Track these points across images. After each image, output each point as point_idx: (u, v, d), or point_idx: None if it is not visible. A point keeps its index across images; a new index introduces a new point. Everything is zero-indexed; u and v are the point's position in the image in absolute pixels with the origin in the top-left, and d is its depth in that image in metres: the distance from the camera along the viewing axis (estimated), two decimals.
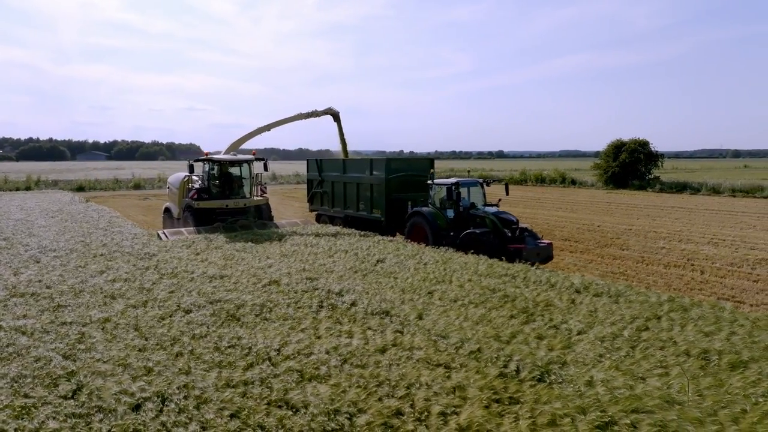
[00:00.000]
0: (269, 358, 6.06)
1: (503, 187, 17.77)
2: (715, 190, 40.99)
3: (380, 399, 5.01)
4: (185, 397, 5.10)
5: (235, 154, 18.60)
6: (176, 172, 21.07)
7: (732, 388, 5.13)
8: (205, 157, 17.60)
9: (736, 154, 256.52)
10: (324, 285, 9.27)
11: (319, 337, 6.77)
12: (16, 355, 6.15)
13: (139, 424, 4.59)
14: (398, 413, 4.73)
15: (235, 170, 18.25)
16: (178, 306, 8.13)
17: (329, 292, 8.81)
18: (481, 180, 16.53)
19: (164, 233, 15.52)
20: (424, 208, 15.73)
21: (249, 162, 18.23)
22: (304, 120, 20.93)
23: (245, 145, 20.46)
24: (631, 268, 15.00)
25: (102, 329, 7.12)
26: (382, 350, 6.29)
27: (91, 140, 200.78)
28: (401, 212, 16.87)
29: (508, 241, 13.85)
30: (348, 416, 4.69)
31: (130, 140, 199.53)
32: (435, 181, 16.20)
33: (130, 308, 8.11)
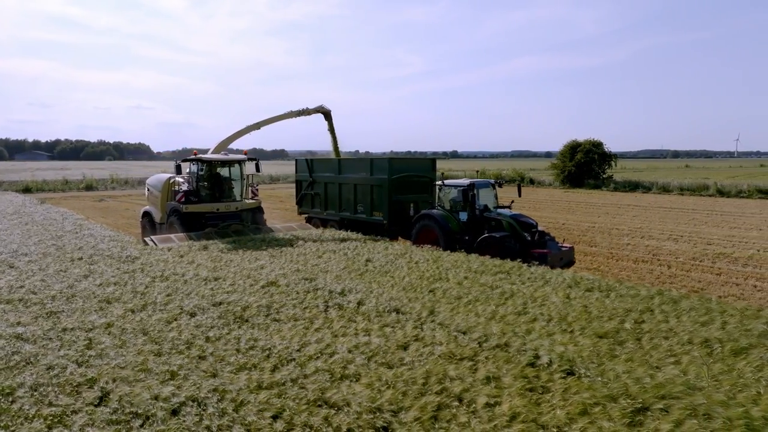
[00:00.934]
0: (293, 359, 6.04)
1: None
2: (665, 189, 43.11)
3: (422, 394, 5.10)
4: (220, 400, 5.05)
5: (226, 154, 17.44)
6: (157, 173, 19.63)
7: (741, 373, 5.51)
8: (194, 156, 16.25)
9: (675, 154, 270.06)
10: (324, 285, 9.28)
11: (336, 336, 6.79)
12: (25, 363, 5.90)
13: (184, 429, 4.52)
14: (440, 407, 4.85)
15: (225, 171, 17.05)
16: (181, 309, 7.96)
17: (332, 292, 8.83)
18: (492, 181, 15.77)
19: (152, 240, 14.36)
20: (434, 211, 14.94)
21: (241, 162, 17.05)
22: (295, 118, 19.91)
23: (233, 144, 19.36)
24: (604, 264, 15.64)
25: (108, 334, 6.91)
26: (404, 347, 6.39)
27: (31, 139, 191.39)
28: (403, 214, 16.30)
29: (529, 246, 13.25)
30: (392, 413, 4.76)
31: (74, 139, 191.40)
32: (446, 182, 15.39)
33: (129, 312, 7.89)
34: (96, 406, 4.97)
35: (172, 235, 14.74)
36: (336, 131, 21.17)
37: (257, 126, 18.65)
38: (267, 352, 6.25)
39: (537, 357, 5.94)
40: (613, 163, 48.76)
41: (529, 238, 13.49)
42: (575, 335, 6.73)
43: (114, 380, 5.47)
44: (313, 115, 20.47)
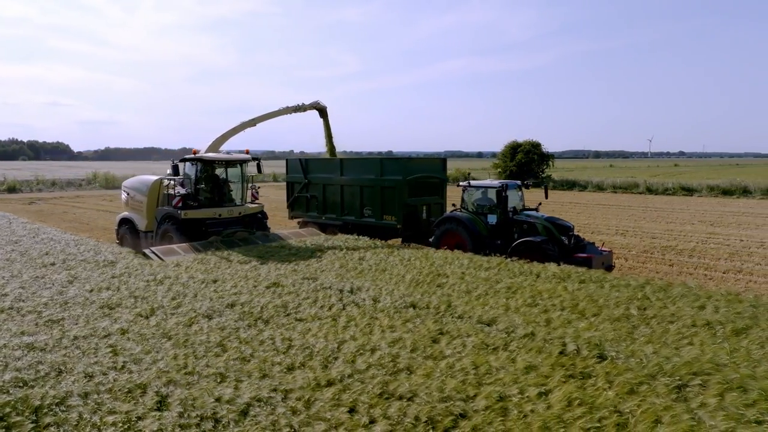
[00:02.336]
0: (337, 357, 6.10)
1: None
2: (599, 187, 45.80)
3: (479, 384, 5.33)
4: (284, 399, 5.06)
5: (229, 153, 15.94)
6: (140, 174, 17.88)
7: (749, 350, 6.15)
8: (192, 155, 14.45)
9: (597, 154, 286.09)
10: (330, 284, 9.33)
11: (367, 333, 6.90)
12: (57, 373, 5.62)
13: (263, 428, 4.51)
14: (500, 397, 5.09)
15: (223, 172, 15.38)
16: (196, 312, 7.78)
17: (342, 291, 8.90)
18: (519, 182, 15.14)
19: (154, 252, 12.31)
20: (460, 214, 14.35)
21: (245, 162, 15.43)
22: (291, 114, 18.37)
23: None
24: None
25: (128, 340, 6.67)
26: (435, 340, 6.60)
27: None
28: (415, 218, 15.67)
29: (569, 250, 12.84)
30: (462, 401, 4.97)
31: None
32: (472, 182, 14.79)
33: (140, 318, 7.63)
34: (158, 410, 4.85)
35: (175, 246, 12.90)
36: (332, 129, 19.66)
37: (253, 122, 16.89)
38: (308, 350, 6.26)
39: (564, 345, 6.33)
40: (551, 163, 51.15)
41: (566, 242, 13.04)
42: (592, 322, 7.20)
43: (165, 384, 5.33)
44: (309, 111, 18.90)
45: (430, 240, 15.36)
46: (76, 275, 10.18)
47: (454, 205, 15.31)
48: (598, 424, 4.53)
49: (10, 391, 5.12)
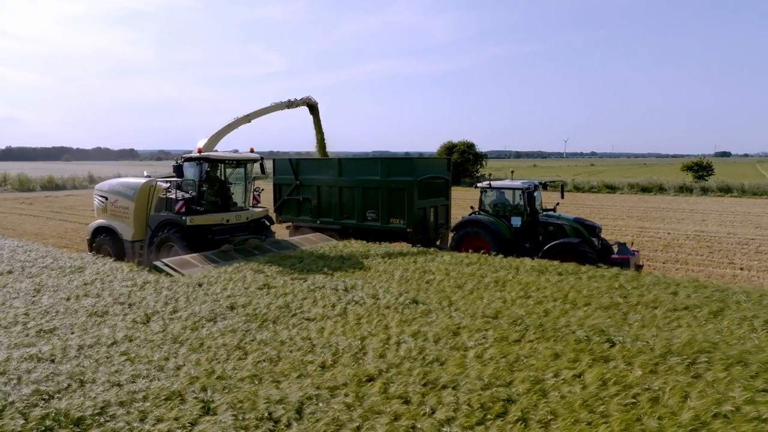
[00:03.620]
0: (366, 352, 6.18)
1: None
2: None
3: (511, 371, 5.61)
4: (333, 396, 5.09)
5: (236, 152, 14.44)
6: (122, 177, 16.16)
7: (730, 329, 6.86)
8: (198, 154, 12.79)
9: (518, 155, 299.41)
10: (322, 283, 9.33)
11: (385, 328, 7.02)
12: (80, 384, 5.32)
13: (330, 423, 4.55)
14: (537, 381, 5.41)
15: (228, 174, 14.09)
16: (198, 316, 7.56)
17: (336, 290, 8.94)
18: (537, 182, 14.67)
19: (169, 265, 10.77)
20: (482, 216, 13.94)
21: (253, 162, 14.10)
22: (282, 111, 16.80)
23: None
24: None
25: (139, 347, 6.40)
26: (455, 333, 6.84)
27: None
28: (422, 221, 15.03)
29: (600, 251, 12.67)
30: (503, 386, 5.22)
31: None
32: (494, 183, 14.37)
33: (139, 324, 7.32)
34: (210, 415, 4.75)
35: (187, 257, 11.43)
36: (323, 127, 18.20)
37: (247, 119, 15.35)
38: (333, 348, 6.29)
39: (573, 333, 6.77)
40: (484, 163, 53.03)
41: (595, 243, 12.86)
42: (587, 311, 7.71)
43: (202, 389, 5.20)
44: (300, 107, 17.46)
45: (438, 244, 14.96)
46: (42, 283, 9.55)
47: (472, 207, 14.99)
48: (634, 400, 4.93)
49: (40, 404, 4.83)
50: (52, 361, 5.92)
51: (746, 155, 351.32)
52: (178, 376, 5.53)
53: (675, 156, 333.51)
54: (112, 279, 9.77)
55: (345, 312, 7.78)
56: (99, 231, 14.41)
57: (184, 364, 5.85)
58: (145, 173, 15.21)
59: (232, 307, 8.01)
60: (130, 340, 6.64)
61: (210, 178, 13.22)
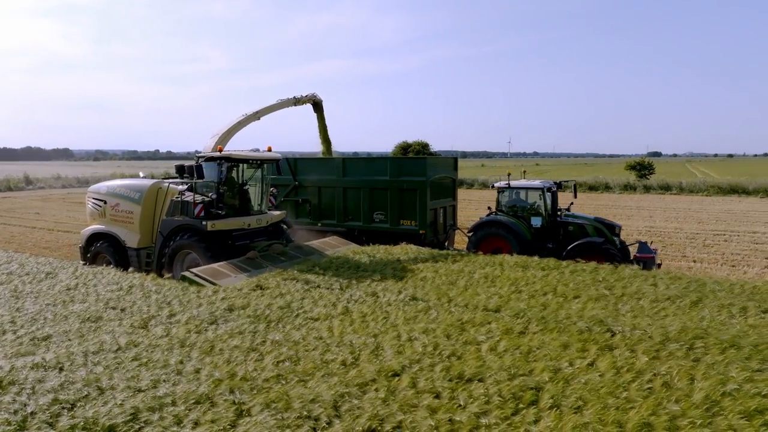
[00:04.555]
0: (381, 349, 6.25)
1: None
2: (484, 185, 49.18)
3: (527, 361, 5.84)
4: (363, 392, 5.15)
5: (258, 151, 13.58)
6: (118, 178, 14.84)
7: (712, 317, 7.39)
8: (218, 153, 11.68)
9: (464, 154, 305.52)
10: (315, 282, 9.33)
11: (393, 325, 7.12)
12: (99, 392, 5.14)
13: (371, 417, 4.60)
14: (556, 370, 5.66)
15: (245, 174, 13.00)
16: (199, 318, 7.42)
17: (331, 289, 8.96)
18: (553, 182, 14.48)
19: (200, 275, 9.78)
20: (502, 217, 13.73)
21: (274, 162, 13.20)
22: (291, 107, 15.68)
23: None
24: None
25: (149, 352, 6.23)
26: (462, 328, 7.02)
27: None
28: (434, 223, 14.70)
29: (623, 251, 12.75)
30: (525, 376, 5.43)
31: None
32: (512, 183, 14.15)
33: (138, 329, 7.11)
34: (246, 416, 4.71)
35: (216, 266, 10.45)
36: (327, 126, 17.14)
37: (256, 116, 14.30)
38: (349, 346, 6.33)
39: (575, 324, 7.10)
40: None
41: (618, 242, 12.92)
42: (581, 303, 8.09)
43: (231, 392, 5.14)
44: (305, 104, 16.35)
45: (447, 245, 14.76)
46: (17, 289, 9.10)
47: (489, 208, 14.82)
48: (650, 385, 5.26)
49: (64, 414, 4.65)
50: (61, 369, 5.68)
51: (675, 155, 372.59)
52: (199, 380, 5.43)
53: (612, 156, 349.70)
54: (96, 283, 9.41)
55: (348, 311, 7.82)
56: (95, 238, 13.17)
57: (202, 368, 5.74)
58: (141, 174, 14.44)
59: (230, 309, 7.90)
60: (135, 345, 6.44)
61: (229, 180, 12.32)
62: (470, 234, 14.14)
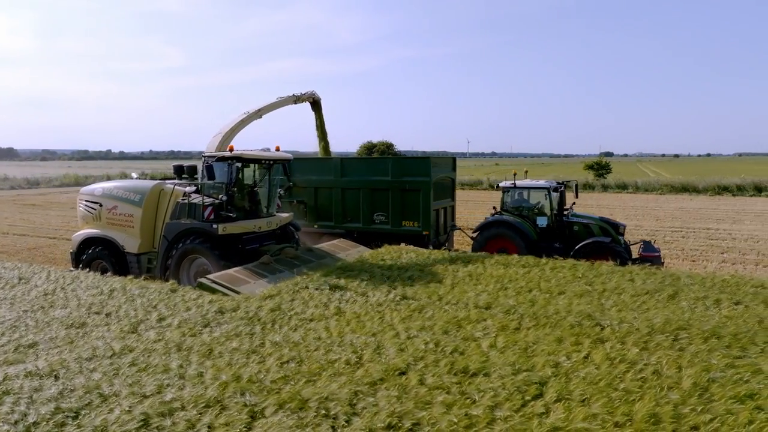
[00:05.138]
0: (383, 347, 6.30)
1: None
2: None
3: (527, 357, 6.02)
4: (375, 390, 5.18)
5: (269, 150, 13.05)
6: (112, 179, 13.98)
7: (690, 309, 7.78)
8: (229, 153, 11.13)
9: (424, 154, 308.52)
10: (304, 283, 9.29)
11: (392, 324, 7.18)
12: (102, 398, 5.00)
13: (390, 414, 4.65)
14: (555, 364, 5.84)
15: (256, 176, 12.55)
16: (191, 322, 7.28)
17: (321, 290, 8.94)
18: (556, 182, 14.49)
19: (219, 282, 9.26)
20: (508, 217, 13.75)
21: (285, 162, 12.71)
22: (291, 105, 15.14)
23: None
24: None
25: (146, 357, 6.09)
26: (458, 325, 7.15)
27: None
28: (434, 222, 14.56)
29: (628, 250, 12.93)
30: (528, 371, 5.59)
31: None
32: (518, 183, 14.17)
33: (128, 334, 6.93)
34: (256, 418, 4.69)
35: (232, 272, 9.94)
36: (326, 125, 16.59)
37: (258, 114, 13.73)
38: (350, 346, 6.35)
39: (565, 318, 7.34)
40: None
41: (622, 241, 13.10)
42: (567, 299, 8.35)
43: (240, 395, 5.10)
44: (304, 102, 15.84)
45: (446, 246, 14.70)
46: None
47: (495, 208, 14.84)
48: (643, 375, 5.51)
49: (69, 423, 4.51)
50: (56, 377, 5.48)
51: (626, 155, 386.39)
52: (204, 383, 5.35)
53: (566, 156, 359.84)
54: (74, 288, 9.08)
55: (341, 311, 7.84)
56: (89, 243, 12.42)
57: (205, 371, 5.66)
58: (134, 175, 13.89)
59: (221, 312, 7.79)
60: (130, 351, 6.28)
61: (239, 181, 11.84)
62: (476, 234, 14.15)
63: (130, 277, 10.33)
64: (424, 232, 14.21)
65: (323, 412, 4.72)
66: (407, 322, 7.22)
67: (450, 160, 16.42)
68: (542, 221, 13.64)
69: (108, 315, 7.70)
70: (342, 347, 6.34)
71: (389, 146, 52.77)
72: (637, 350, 6.15)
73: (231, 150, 11.07)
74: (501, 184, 14.65)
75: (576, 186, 15.28)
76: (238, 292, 8.95)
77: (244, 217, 11.66)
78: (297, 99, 14.93)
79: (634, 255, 13.35)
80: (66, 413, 4.69)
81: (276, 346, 6.40)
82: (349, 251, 12.81)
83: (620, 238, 13.11)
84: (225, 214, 11.24)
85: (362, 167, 15.37)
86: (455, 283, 9.45)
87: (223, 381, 5.36)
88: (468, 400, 4.96)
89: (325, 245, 13.03)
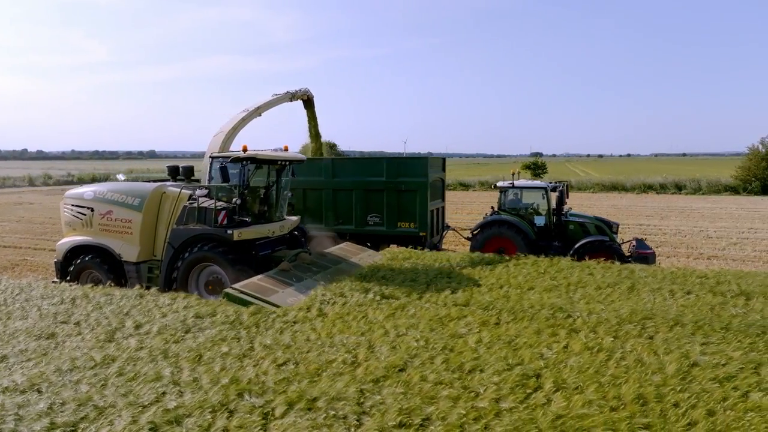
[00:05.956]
0: (377, 347, 6.37)
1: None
2: None
3: (514, 349, 6.28)
4: (379, 388, 5.27)
5: (278, 150, 11.96)
6: (108, 181, 12.57)
7: (653, 299, 8.36)
8: (243, 154, 10.31)
9: (362, 155, 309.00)
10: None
11: (377, 323, 7.25)
12: (98, 411, 4.80)
13: (402, 411, 4.74)
14: (542, 356, 6.13)
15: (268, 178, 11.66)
16: (171, 328, 7.06)
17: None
18: (547, 183, 14.80)
19: (248, 293, 8.59)
20: (507, 216, 13.84)
21: (299, 163, 12.12)
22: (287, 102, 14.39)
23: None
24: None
25: (132, 365, 5.86)
26: (442, 323, 7.33)
27: None
28: (430, 223, 14.31)
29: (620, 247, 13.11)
30: (520, 364, 5.84)
31: None
32: (516, 183, 14.27)
33: (105, 343, 6.65)
34: (269, 420, 4.65)
35: (256, 280, 9.30)
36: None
37: (258, 112, 13.06)
38: (343, 347, 6.38)
39: (539, 312, 7.68)
40: None
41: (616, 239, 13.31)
42: (536, 293, 8.74)
43: (245, 398, 5.03)
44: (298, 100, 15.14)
45: (438, 246, 14.54)
46: None
47: (493, 207, 14.92)
48: (624, 361, 5.90)
49: None
50: (39, 391, 5.18)
51: (554, 155, 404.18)
52: (202, 389, 5.24)
53: (500, 156, 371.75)
54: (27, 298, 8.56)
55: (322, 312, 7.84)
56: (78, 251, 11.40)
57: (199, 377, 5.53)
58: (122, 177, 12.72)
59: (199, 317, 7.59)
60: (113, 360, 6.02)
61: (253, 184, 11.07)
62: (476, 233, 14.20)
63: (89, 285, 9.82)
64: (421, 234, 14.06)
65: (333, 412, 4.74)
66: (392, 321, 7.33)
67: (440, 161, 16.24)
68: (540, 221, 13.90)
69: (78, 324, 7.32)
70: (335, 348, 6.37)
71: (332, 146, 52.44)
72: (612, 339, 6.55)
73: (245, 150, 10.34)
74: (499, 184, 14.83)
75: (567, 187, 15.25)
76: (274, 304, 8.34)
77: (255, 222, 11.01)
78: (292, 96, 14.40)
79: (626, 252, 13.87)
80: (63, 428, 4.49)
81: (268, 349, 6.34)
82: (359, 255, 12.44)
83: (614, 236, 13.52)
84: (239, 218, 10.58)
85: (354, 168, 15.02)
86: (430, 281, 9.65)
87: (224, 384, 5.27)
88: (471, 393, 5.14)
89: (335, 249, 12.62)
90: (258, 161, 10.70)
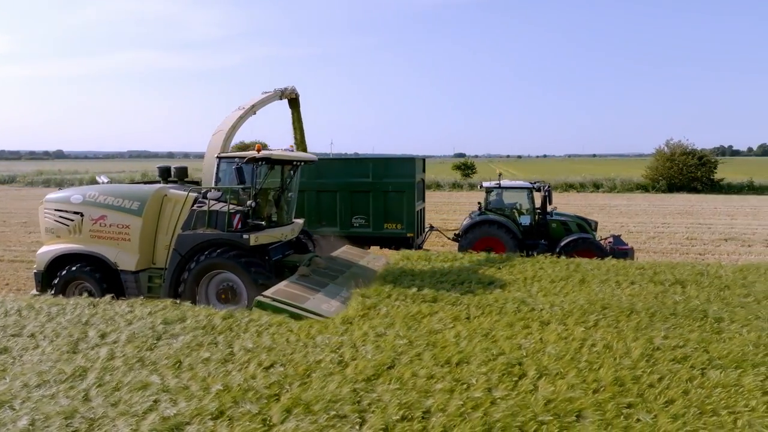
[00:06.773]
0: (361, 346, 6.44)
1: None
2: None
3: (493, 341, 6.57)
4: (372, 386, 5.36)
5: (293, 150, 11.62)
6: (105, 183, 11.04)
7: (603, 290, 8.99)
8: (257, 154, 9.78)
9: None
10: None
11: (354, 323, 7.32)
12: (90, 422, 4.57)
13: (402, 406, 4.85)
14: (520, 346, 6.45)
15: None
16: (142, 335, 6.77)
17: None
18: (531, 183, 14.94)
19: (280, 301, 8.22)
20: (494, 216, 13.97)
21: (311, 163, 11.84)
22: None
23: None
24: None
25: (110, 376, 5.59)
26: (416, 319, 7.50)
27: None
28: (415, 224, 14.17)
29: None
30: (502, 355, 6.13)
31: None
32: (503, 183, 14.47)
33: (71, 354, 6.30)
34: (266, 425, 4.63)
35: (282, 286, 8.90)
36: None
37: (253, 110, 12.37)
38: (328, 347, 6.39)
39: (505, 305, 8.03)
40: None
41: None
42: (498, 287, 9.14)
43: (244, 404, 4.95)
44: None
45: (420, 246, 14.43)
46: None
47: (479, 204, 14.96)
48: (598, 349, 6.32)
49: None
50: (11, 407, 4.84)
51: (477, 156, 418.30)
52: (194, 396, 5.10)
53: (425, 156, 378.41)
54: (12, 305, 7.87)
55: (297, 314, 7.79)
56: (64, 261, 10.35)
57: (191, 386, 5.37)
58: (104, 179, 11.43)
59: (167, 323, 7.32)
60: (85, 371, 5.70)
61: (266, 186, 10.56)
62: (465, 233, 14.19)
63: (31, 294, 9.14)
64: (408, 235, 14.01)
65: (333, 413, 4.77)
66: (368, 320, 7.42)
67: (422, 162, 16.06)
68: (525, 220, 14.28)
69: (33, 336, 6.83)
70: (318, 348, 6.38)
71: (265, 146, 51.49)
72: (583, 329, 7.00)
73: (259, 150, 9.83)
74: (485, 185, 15.03)
75: (549, 188, 15.13)
76: (316, 313, 8.06)
77: (268, 225, 10.48)
78: (282, 94, 13.62)
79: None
80: None
81: (250, 352, 6.24)
82: (365, 257, 12.29)
83: (593, 233, 13.96)
84: (253, 222, 10.06)
85: (339, 169, 14.77)
86: (395, 279, 9.80)
87: (216, 392, 5.15)
88: (464, 385, 5.35)
89: (339, 252, 12.30)
90: (272, 162, 10.26)
